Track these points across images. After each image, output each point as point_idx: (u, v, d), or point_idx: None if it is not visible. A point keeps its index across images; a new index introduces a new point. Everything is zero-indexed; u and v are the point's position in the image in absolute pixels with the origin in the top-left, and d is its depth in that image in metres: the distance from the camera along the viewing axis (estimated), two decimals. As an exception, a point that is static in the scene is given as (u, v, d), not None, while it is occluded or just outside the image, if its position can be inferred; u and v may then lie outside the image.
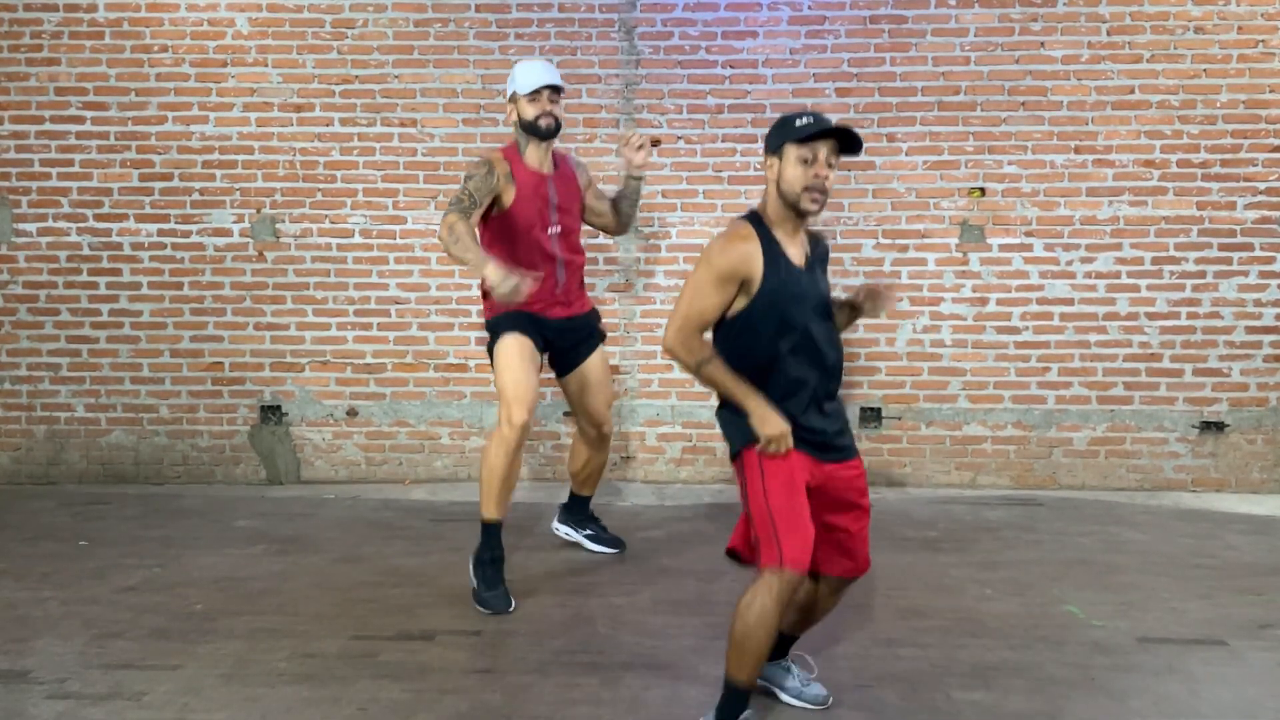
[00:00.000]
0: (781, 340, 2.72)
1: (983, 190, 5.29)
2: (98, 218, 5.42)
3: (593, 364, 4.14)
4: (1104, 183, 5.25)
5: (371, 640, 3.48)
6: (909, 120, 5.26)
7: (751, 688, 2.76)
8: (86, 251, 5.44)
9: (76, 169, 5.40)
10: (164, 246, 5.42)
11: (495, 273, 3.44)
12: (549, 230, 3.94)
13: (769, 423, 2.66)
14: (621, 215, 4.24)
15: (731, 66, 5.29)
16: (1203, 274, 5.27)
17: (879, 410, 5.40)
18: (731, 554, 2.92)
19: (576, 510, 4.44)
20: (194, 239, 5.42)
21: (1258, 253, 5.23)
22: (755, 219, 2.79)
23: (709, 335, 2.79)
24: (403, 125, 5.35)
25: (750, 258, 2.70)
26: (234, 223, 5.41)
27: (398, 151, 5.36)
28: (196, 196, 5.40)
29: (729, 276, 2.70)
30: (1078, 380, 5.34)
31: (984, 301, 5.33)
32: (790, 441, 2.67)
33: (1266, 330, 5.26)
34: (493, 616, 3.68)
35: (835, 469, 2.78)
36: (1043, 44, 5.21)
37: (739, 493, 2.80)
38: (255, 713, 2.98)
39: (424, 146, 5.36)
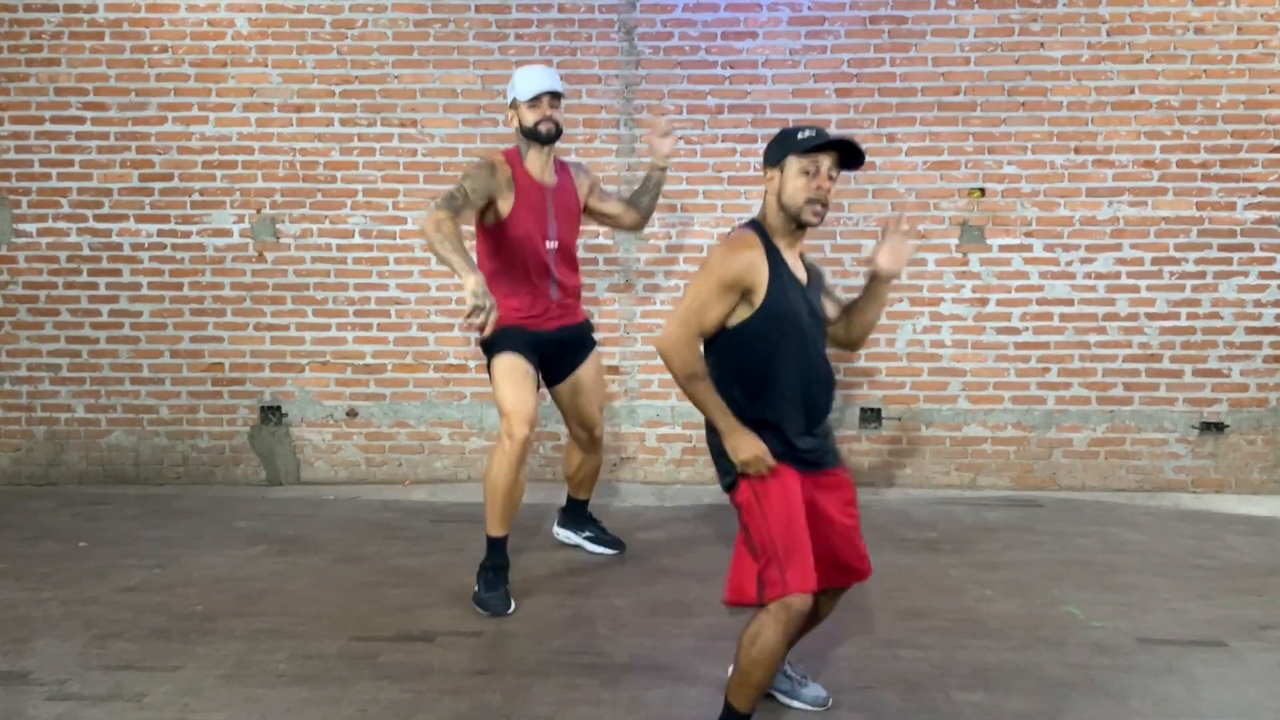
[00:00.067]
0: (780, 354, 2.68)
1: (982, 191, 5.29)
2: (98, 218, 5.42)
3: (585, 371, 4.12)
4: (1104, 183, 5.25)
5: (371, 641, 3.47)
6: (909, 121, 5.26)
7: (751, 714, 2.71)
8: (86, 252, 5.44)
9: (76, 169, 5.40)
10: (164, 247, 5.42)
11: (476, 286, 3.31)
12: (547, 244, 3.91)
13: (743, 448, 2.62)
14: (641, 209, 4.21)
15: (731, 67, 5.29)
16: (1202, 274, 5.27)
17: (879, 411, 5.40)
18: (732, 605, 2.78)
19: (575, 513, 4.45)
20: (194, 239, 5.42)
21: (1257, 253, 5.24)
22: (758, 228, 2.75)
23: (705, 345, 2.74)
24: (403, 126, 5.35)
25: (755, 266, 2.66)
26: (234, 223, 5.41)
27: (398, 152, 5.36)
28: (196, 197, 5.40)
29: (733, 284, 2.66)
30: (1077, 381, 5.34)
31: (984, 302, 5.33)
32: (771, 461, 2.63)
33: (1266, 331, 5.26)
34: (493, 618, 3.68)
35: (822, 479, 2.75)
36: (1042, 44, 5.21)
37: (737, 524, 2.73)
38: (255, 713, 2.98)
39: (424, 147, 5.36)
